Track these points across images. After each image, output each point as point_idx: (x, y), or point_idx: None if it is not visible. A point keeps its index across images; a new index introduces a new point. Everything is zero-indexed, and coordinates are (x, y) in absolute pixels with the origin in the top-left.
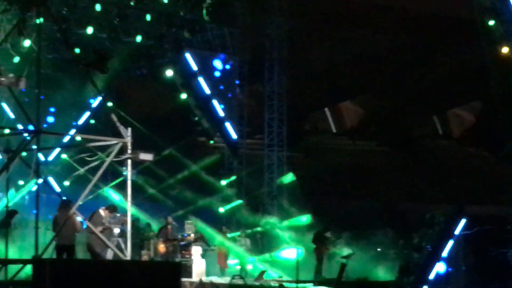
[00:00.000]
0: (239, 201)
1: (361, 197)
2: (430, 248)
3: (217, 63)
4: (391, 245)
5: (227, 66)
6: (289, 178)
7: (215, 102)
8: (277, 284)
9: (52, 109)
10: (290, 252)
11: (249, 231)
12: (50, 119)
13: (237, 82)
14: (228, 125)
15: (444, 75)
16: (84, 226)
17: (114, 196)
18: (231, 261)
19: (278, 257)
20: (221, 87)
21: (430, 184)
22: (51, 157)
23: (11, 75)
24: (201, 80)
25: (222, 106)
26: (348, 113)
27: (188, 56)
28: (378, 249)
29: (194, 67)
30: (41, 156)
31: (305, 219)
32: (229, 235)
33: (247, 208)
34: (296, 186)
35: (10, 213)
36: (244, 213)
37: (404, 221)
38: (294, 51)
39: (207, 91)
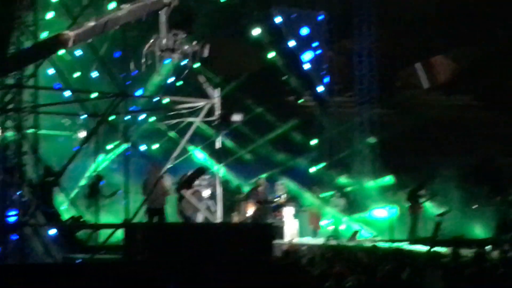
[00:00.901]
0: (329, 161)
1: (456, 153)
2: None
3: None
4: (487, 202)
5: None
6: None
7: (304, 59)
8: (370, 244)
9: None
10: (383, 212)
11: (343, 190)
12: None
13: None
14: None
15: None
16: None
17: (198, 154)
18: (324, 222)
19: (371, 217)
20: (310, 44)
21: None
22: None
23: (194, 42)
24: (288, 37)
25: (310, 64)
26: (441, 68)
27: (275, 14)
28: (474, 206)
29: (282, 25)
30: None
31: (388, 179)
32: (322, 195)
33: (338, 168)
34: (383, 146)
35: (98, 178)
36: (334, 172)
37: (500, 177)
38: (383, 5)
39: (296, 49)
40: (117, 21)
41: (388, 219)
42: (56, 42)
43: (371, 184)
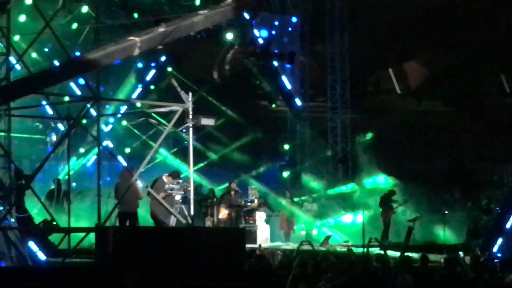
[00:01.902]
0: (303, 166)
1: (427, 158)
2: (499, 210)
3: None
4: (458, 207)
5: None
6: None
7: (274, 61)
8: (345, 249)
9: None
10: (353, 217)
11: (315, 195)
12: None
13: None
14: (286, 83)
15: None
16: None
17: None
18: (296, 227)
19: (341, 222)
20: (282, 49)
21: (498, 143)
22: (109, 127)
23: None
24: (261, 41)
25: (285, 76)
26: (412, 73)
27: (248, 18)
28: (446, 212)
29: (254, 29)
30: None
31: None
32: (294, 200)
33: (311, 172)
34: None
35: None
36: (307, 177)
37: (471, 182)
38: (356, 10)
39: (269, 56)
40: (191, 27)
41: (357, 225)
42: (122, 49)
43: (338, 190)
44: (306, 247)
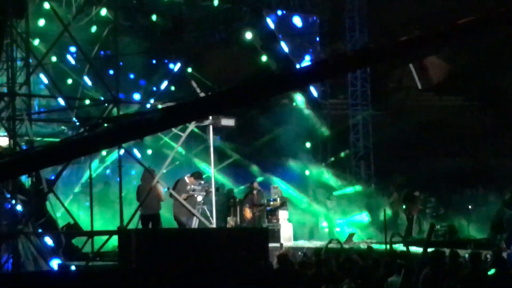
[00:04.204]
0: (322, 164)
1: (450, 154)
2: None
3: (297, 20)
4: (482, 202)
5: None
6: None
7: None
8: (365, 246)
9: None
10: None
11: (336, 193)
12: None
13: (317, 40)
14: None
15: None
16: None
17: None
18: (322, 224)
19: (360, 220)
20: (301, 47)
21: None
22: None
23: None
24: (281, 41)
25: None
26: (434, 68)
27: (267, 18)
28: (469, 207)
29: (273, 28)
30: None
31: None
32: (316, 198)
33: (333, 170)
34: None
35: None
36: (329, 175)
37: (494, 177)
38: (374, 6)
39: (288, 53)
40: None
41: (378, 222)
42: None
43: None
44: (335, 245)
